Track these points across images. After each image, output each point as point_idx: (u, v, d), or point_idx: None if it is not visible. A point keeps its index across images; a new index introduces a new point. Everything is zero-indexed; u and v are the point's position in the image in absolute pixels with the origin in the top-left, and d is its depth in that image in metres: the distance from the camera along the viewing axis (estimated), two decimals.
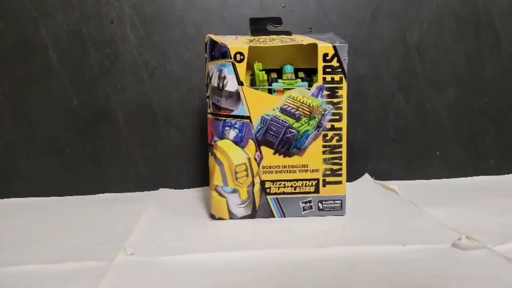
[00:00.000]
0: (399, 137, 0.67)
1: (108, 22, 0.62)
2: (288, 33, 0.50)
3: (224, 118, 0.47)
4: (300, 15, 0.65)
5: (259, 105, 0.47)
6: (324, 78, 0.47)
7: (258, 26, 0.51)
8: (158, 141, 0.64)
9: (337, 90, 0.47)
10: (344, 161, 0.48)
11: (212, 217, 0.49)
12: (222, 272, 0.35)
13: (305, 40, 0.47)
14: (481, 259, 0.36)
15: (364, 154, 0.67)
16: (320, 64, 0.46)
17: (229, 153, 0.47)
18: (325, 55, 0.46)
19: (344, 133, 0.48)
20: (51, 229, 0.47)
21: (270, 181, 0.48)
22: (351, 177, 0.63)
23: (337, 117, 0.48)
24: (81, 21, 0.62)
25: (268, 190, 0.48)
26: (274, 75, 0.50)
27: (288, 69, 0.49)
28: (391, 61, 0.66)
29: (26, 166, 0.62)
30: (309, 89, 0.47)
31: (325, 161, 0.48)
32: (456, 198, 0.56)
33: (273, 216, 0.49)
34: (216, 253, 0.39)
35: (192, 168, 0.65)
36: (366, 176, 0.65)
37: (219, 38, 0.47)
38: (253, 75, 0.50)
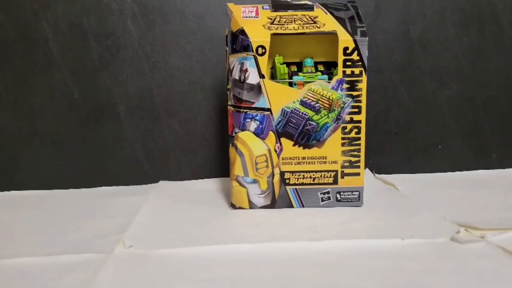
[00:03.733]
0: (401, 131, 0.67)
1: (109, 14, 0.61)
2: (310, 8, 0.49)
3: (245, 110, 0.48)
4: None
5: (279, 97, 0.48)
6: (344, 72, 0.47)
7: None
8: (159, 134, 0.64)
9: (357, 84, 0.48)
10: (362, 153, 0.49)
11: (233, 206, 0.50)
12: (221, 265, 0.35)
13: (328, 24, 0.47)
14: (480, 253, 0.36)
15: (366, 148, 0.66)
16: (340, 58, 0.47)
17: (250, 145, 0.49)
18: (346, 48, 0.47)
19: (363, 125, 0.49)
20: (51, 222, 0.47)
21: (290, 172, 0.49)
22: None
23: (357, 109, 0.48)
24: (82, 14, 0.61)
25: (287, 181, 0.49)
26: (294, 68, 0.51)
27: (309, 62, 0.50)
28: (393, 54, 0.66)
29: (27, 159, 0.62)
30: (329, 82, 0.48)
31: (344, 153, 0.49)
32: (457, 192, 0.56)
33: (292, 206, 0.50)
34: (216, 246, 0.39)
35: (193, 161, 0.65)
36: (367, 171, 0.64)
37: (238, 10, 0.47)
38: (273, 68, 0.51)
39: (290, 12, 0.48)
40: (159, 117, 0.64)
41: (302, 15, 0.48)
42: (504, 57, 0.67)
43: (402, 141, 0.67)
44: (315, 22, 0.47)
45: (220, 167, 0.66)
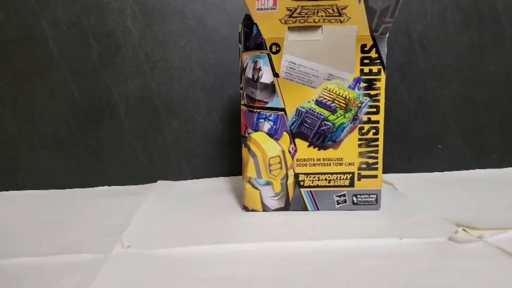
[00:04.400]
0: (401, 130, 0.67)
1: (109, 13, 0.60)
2: None
3: (258, 110, 0.47)
4: None
5: (294, 97, 0.46)
6: (361, 70, 0.45)
7: None
8: (159, 134, 0.64)
9: (375, 82, 0.46)
10: (380, 155, 0.47)
11: (245, 208, 0.49)
12: (219, 265, 0.35)
13: (354, 17, 0.42)
14: (478, 252, 0.36)
15: None
16: (358, 55, 0.45)
17: (263, 145, 0.47)
18: (363, 46, 0.45)
19: (381, 126, 0.47)
20: (50, 222, 0.47)
21: (304, 174, 0.48)
22: None
23: (374, 109, 0.46)
24: (81, 13, 0.60)
25: (301, 183, 0.48)
26: None
27: None
28: (394, 53, 0.66)
29: (27, 158, 0.62)
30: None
31: (361, 154, 0.47)
32: (457, 191, 0.56)
33: (307, 209, 0.48)
34: (214, 245, 0.38)
35: (193, 160, 0.65)
36: None
37: (253, 2, 0.42)
38: None
39: (315, 2, 0.42)
40: (159, 117, 0.63)
41: (329, 5, 0.42)
42: (504, 57, 0.67)
43: (402, 140, 0.67)
44: (340, 15, 0.43)
45: (219, 166, 0.65)
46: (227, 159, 0.65)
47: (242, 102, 0.48)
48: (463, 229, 0.41)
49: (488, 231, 0.40)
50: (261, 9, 0.43)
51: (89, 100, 0.62)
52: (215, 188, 0.60)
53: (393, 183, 0.59)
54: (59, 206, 0.53)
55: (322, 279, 0.32)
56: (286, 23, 0.44)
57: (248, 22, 0.46)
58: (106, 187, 0.62)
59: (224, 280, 0.32)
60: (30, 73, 0.61)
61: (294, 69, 0.45)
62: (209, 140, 0.65)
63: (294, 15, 0.43)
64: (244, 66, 0.47)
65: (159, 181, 0.63)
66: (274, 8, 0.43)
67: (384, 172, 0.66)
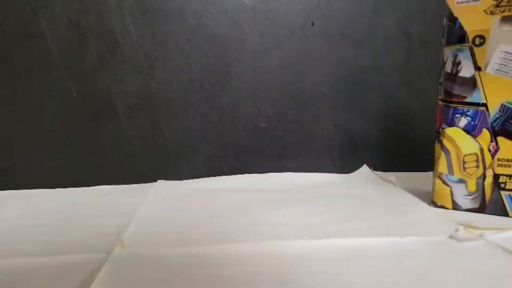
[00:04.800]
0: (401, 129, 0.68)
1: (107, 12, 0.59)
2: None
3: (455, 105, 0.46)
4: (301, 6, 0.64)
5: (499, 91, 0.43)
6: None
7: None
8: (158, 133, 0.63)
9: None
10: None
11: (434, 204, 0.49)
12: (219, 265, 0.34)
13: None
14: (478, 251, 0.36)
15: (365, 146, 0.68)
16: None
17: (458, 142, 0.46)
18: None
19: None
20: (49, 221, 0.46)
21: (507, 175, 0.44)
22: (352, 169, 0.67)
23: None
24: (80, 11, 0.59)
25: (502, 185, 0.44)
26: None
27: None
28: (393, 52, 0.66)
29: (26, 158, 0.61)
30: None
31: None
32: None
33: (507, 215, 0.44)
34: (215, 245, 0.38)
35: (193, 160, 0.64)
36: (365, 167, 0.66)
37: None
38: None
39: None
40: (158, 116, 0.63)
41: None
42: None
43: (401, 139, 0.68)
44: None
45: (219, 166, 0.64)
46: (226, 159, 0.64)
47: (439, 97, 0.48)
48: (464, 228, 0.40)
49: (489, 230, 0.39)
50: (461, 2, 0.42)
51: (87, 99, 0.61)
52: (214, 187, 0.59)
53: (393, 182, 0.60)
54: (58, 206, 0.52)
55: (323, 279, 0.31)
56: (492, 14, 0.41)
57: (452, 15, 0.45)
58: (105, 187, 0.62)
59: (226, 279, 0.32)
60: (28, 72, 0.59)
61: (511, 60, 0.42)
62: (209, 139, 0.64)
63: (502, 4, 0.40)
64: (444, 60, 0.47)
65: (159, 181, 0.63)
66: (475, 0, 0.41)
67: (383, 170, 0.67)
